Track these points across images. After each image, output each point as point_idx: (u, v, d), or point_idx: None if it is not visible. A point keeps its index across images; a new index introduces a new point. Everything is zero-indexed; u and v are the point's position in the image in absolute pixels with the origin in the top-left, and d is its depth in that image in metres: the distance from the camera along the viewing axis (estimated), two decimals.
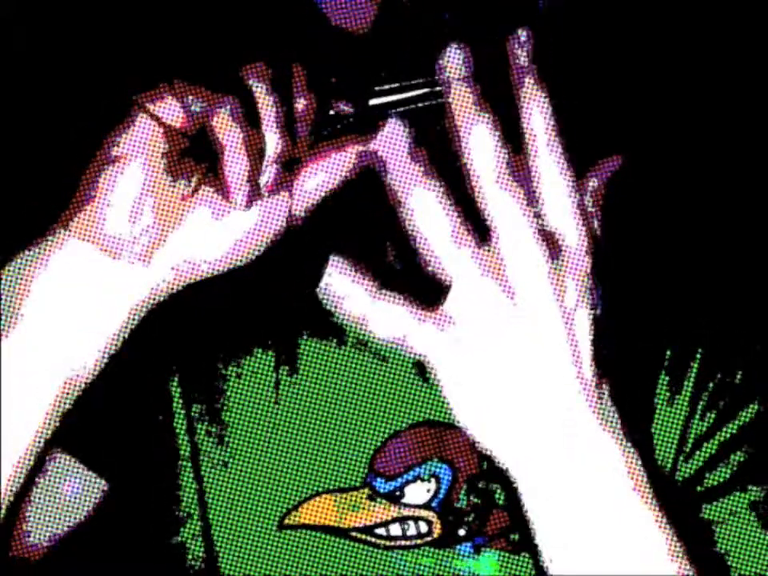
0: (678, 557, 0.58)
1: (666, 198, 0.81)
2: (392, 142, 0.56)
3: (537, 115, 0.57)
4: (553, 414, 0.57)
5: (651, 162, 0.78)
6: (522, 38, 0.57)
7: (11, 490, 0.61)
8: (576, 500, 0.57)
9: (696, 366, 0.74)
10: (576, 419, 0.57)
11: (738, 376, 0.73)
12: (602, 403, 0.58)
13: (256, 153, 0.58)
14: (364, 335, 0.68)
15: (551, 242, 0.57)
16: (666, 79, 0.95)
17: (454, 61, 0.56)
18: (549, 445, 0.57)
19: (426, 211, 0.56)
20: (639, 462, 0.58)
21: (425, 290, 0.58)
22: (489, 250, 0.57)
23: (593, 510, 0.57)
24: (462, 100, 0.56)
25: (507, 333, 0.56)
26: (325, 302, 0.58)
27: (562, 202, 0.57)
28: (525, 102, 0.57)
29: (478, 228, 0.57)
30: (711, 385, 0.74)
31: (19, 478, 0.61)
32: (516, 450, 0.57)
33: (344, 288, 0.58)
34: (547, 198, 0.57)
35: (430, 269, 0.58)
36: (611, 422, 0.58)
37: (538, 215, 0.57)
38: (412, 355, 0.58)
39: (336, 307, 0.58)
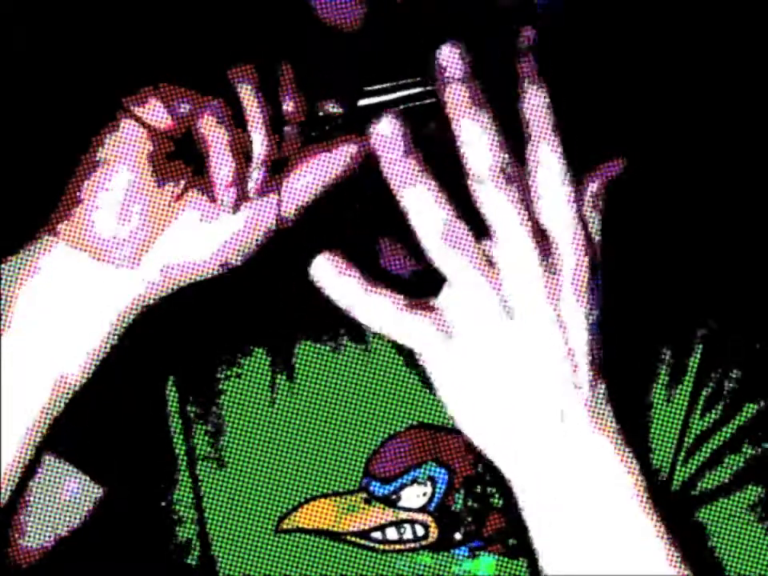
0: (675, 558, 0.57)
1: (665, 198, 0.81)
2: (386, 138, 0.55)
3: (535, 111, 0.56)
4: (547, 415, 0.56)
5: (651, 163, 0.78)
6: (529, 37, 0.57)
7: (6, 492, 0.61)
8: (571, 500, 0.57)
9: (695, 365, 0.74)
10: (571, 420, 0.56)
11: (737, 375, 0.73)
12: (598, 404, 0.57)
13: (243, 154, 0.57)
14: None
15: (547, 241, 0.56)
16: (666, 80, 0.95)
17: (449, 60, 0.55)
18: (542, 445, 0.56)
19: (421, 209, 0.55)
20: (636, 464, 0.57)
21: (417, 293, 0.58)
22: (485, 248, 0.56)
23: (589, 511, 0.57)
24: (457, 100, 0.55)
25: (500, 331, 0.56)
26: (316, 284, 0.58)
27: (560, 201, 0.56)
28: (524, 99, 0.56)
29: (476, 223, 0.56)
30: (710, 384, 0.73)
31: (13, 480, 0.61)
32: (508, 449, 0.57)
33: (335, 275, 0.57)
34: (545, 197, 0.56)
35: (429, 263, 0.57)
36: (607, 422, 0.57)
37: (534, 214, 0.56)
38: (403, 344, 0.57)
39: (326, 293, 0.57)
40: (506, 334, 0.56)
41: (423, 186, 0.55)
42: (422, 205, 0.55)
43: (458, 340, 0.56)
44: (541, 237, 0.56)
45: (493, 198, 0.55)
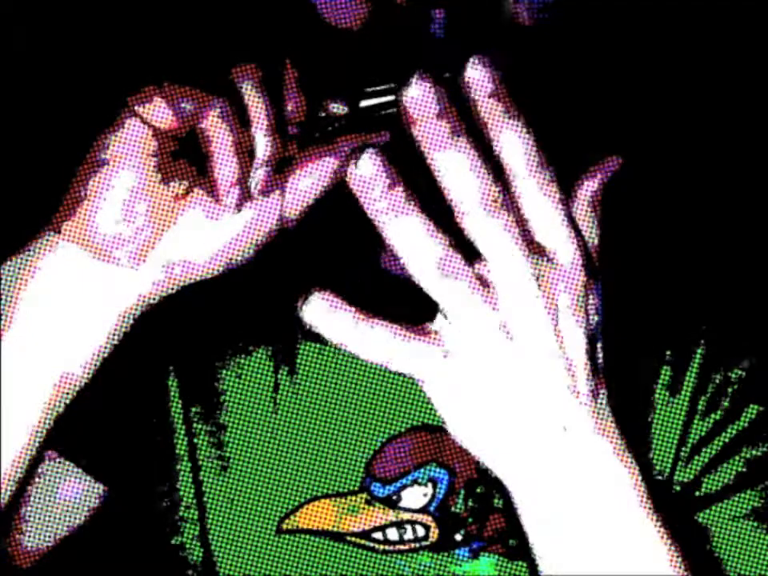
0: (675, 562, 0.57)
1: (665, 198, 0.81)
2: (367, 178, 0.53)
3: (511, 143, 0.54)
4: (547, 428, 0.56)
5: (650, 162, 0.78)
6: (480, 67, 0.53)
7: (8, 491, 0.60)
8: (571, 503, 0.56)
9: (695, 367, 0.74)
10: (571, 431, 0.56)
11: (738, 377, 0.73)
12: (599, 412, 0.56)
13: (247, 154, 0.57)
14: None
15: (542, 255, 0.55)
16: (665, 81, 0.95)
17: (414, 101, 0.52)
18: (543, 458, 0.56)
19: (409, 244, 0.54)
20: (638, 469, 0.57)
21: (418, 296, 0.57)
22: (478, 269, 0.55)
23: (589, 513, 0.57)
24: (427, 138, 0.53)
25: (498, 351, 0.55)
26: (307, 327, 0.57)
27: (550, 217, 0.55)
28: (497, 134, 0.54)
29: (466, 244, 0.55)
30: (711, 386, 0.73)
31: (15, 479, 0.61)
32: (510, 463, 0.56)
33: (324, 314, 0.56)
34: (534, 215, 0.55)
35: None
36: (609, 427, 0.57)
37: (526, 232, 0.55)
38: (401, 373, 0.56)
39: (320, 332, 0.56)
40: (505, 353, 0.55)
41: (408, 219, 0.53)
42: (410, 240, 0.54)
43: (456, 362, 0.55)
44: (535, 252, 0.55)
45: (481, 227, 0.54)
